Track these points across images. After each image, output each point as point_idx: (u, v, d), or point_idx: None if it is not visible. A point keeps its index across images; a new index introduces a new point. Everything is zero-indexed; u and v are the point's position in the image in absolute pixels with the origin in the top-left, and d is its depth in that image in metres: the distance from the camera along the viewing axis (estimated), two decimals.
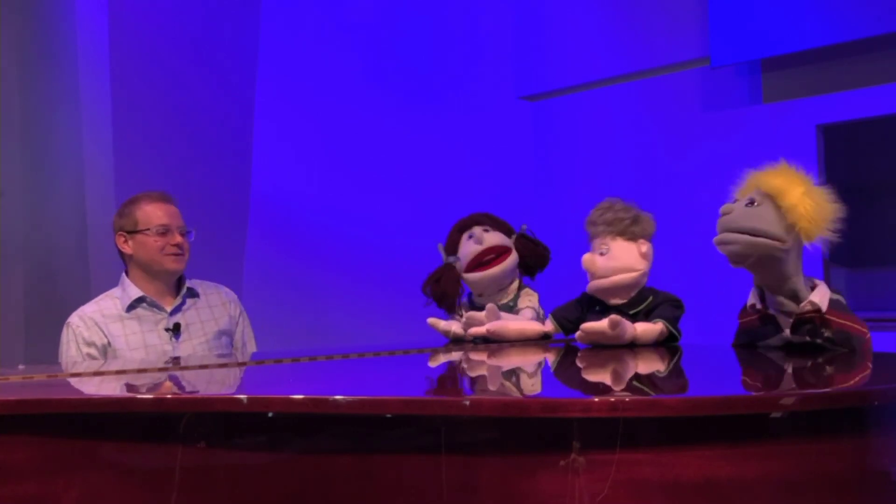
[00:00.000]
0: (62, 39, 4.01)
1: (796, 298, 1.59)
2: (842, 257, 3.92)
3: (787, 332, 1.61)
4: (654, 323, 1.85)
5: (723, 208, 1.60)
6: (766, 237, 1.54)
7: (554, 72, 4.86)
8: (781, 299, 1.61)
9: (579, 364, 1.70)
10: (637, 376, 1.54)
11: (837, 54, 3.89)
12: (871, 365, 1.49)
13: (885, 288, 3.93)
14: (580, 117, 4.79)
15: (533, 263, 2.22)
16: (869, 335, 1.58)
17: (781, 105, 4.08)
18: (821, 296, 1.57)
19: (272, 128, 4.39)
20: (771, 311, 1.64)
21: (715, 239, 1.60)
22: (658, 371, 1.59)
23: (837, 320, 1.56)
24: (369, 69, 4.70)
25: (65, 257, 4.03)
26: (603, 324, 1.78)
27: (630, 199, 1.97)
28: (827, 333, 1.56)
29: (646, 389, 1.40)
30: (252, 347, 2.66)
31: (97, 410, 1.31)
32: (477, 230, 2.19)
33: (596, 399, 1.12)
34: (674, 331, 1.87)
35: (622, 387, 1.40)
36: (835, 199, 1.56)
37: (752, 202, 1.57)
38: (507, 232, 2.22)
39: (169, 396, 1.36)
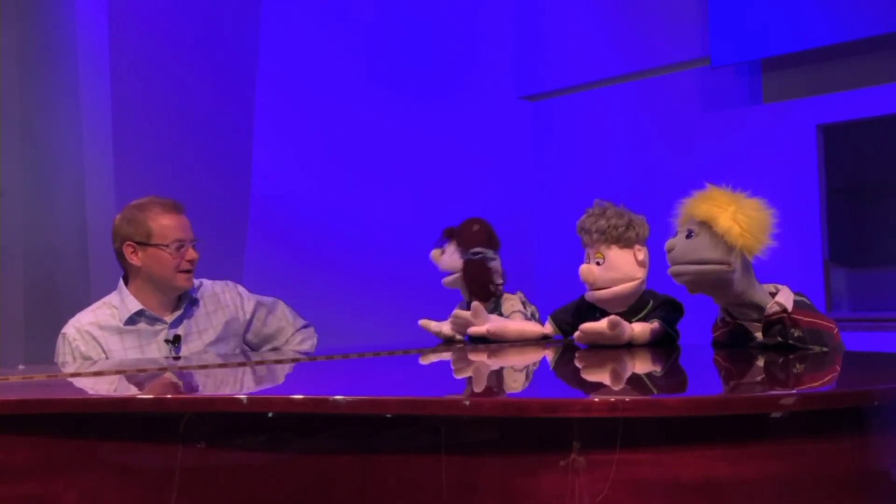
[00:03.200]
0: (62, 39, 4.01)
1: (759, 307, 1.63)
2: (842, 257, 3.92)
3: (759, 335, 1.65)
4: (651, 323, 1.85)
5: (667, 245, 1.65)
6: (711, 264, 1.58)
7: (554, 72, 4.86)
8: (746, 311, 1.66)
9: (578, 364, 1.71)
10: (636, 376, 1.54)
11: (837, 54, 3.89)
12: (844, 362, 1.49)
13: (885, 288, 3.93)
14: (580, 117, 4.80)
15: (475, 293, 2.17)
16: (837, 331, 1.61)
17: (781, 105, 4.08)
18: (785, 297, 1.61)
19: (272, 128, 4.39)
20: (740, 322, 1.68)
21: (668, 272, 1.66)
22: (657, 371, 1.60)
23: (805, 319, 1.59)
24: (369, 69, 4.70)
25: (65, 257, 4.03)
26: (602, 324, 1.78)
27: (620, 202, 1.94)
28: (797, 333, 1.59)
29: (646, 389, 1.40)
30: (288, 332, 2.58)
31: (97, 410, 1.31)
32: (435, 253, 2.28)
33: (596, 399, 1.12)
34: (671, 331, 1.87)
35: (622, 387, 1.40)
36: (767, 207, 1.61)
37: (690, 233, 1.61)
38: (470, 246, 2.20)
39: (169, 396, 1.36)
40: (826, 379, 1.45)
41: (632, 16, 4.57)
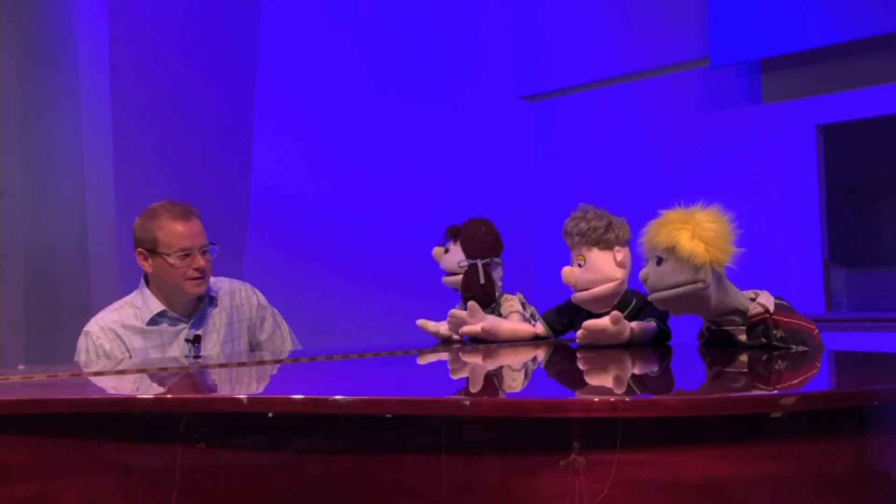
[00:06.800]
0: (62, 39, 4.01)
1: (741, 312, 1.68)
2: (842, 257, 3.92)
3: (743, 337, 1.69)
4: (648, 322, 1.86)
5: (641, 275, 1.71)
6: (686, 285, 1.63)
7: (554, 72, 4.86)
8: (730, 318, 1.70)
9: (578, 364, 1.71)
10: (635, 376, 1.54)
11: (837, 54, 3.89)
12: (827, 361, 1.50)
13: (885, 288, 3.93)
14: (580, 117, 4.79)
15: (475, 300, 2.13)
16: (817, 331, 1.66)
17: (781, 105, 4.08)
18: (766, 299, 1.66)
19: (272, 128, 4.39)
20: (725, 328, 1.72)
21: (649, 299, 1.73)
22: (655, 371, 1.60)
23: (786, 319, 1.64)
24: (369, 69, 4.70)
25: (64, 257, 4.03)
26: (605, 321, 1.80)
27: (602, 205, 1.98)
28: (779, 333, 1.63)
29: (645, 389, 1.40)
30: (288, 345, 2.60)
31: (97, 410, 1.31)
32: (438, 251, 2.24)
33: (596, 399, 1.12)
34: (665, 329, 1.89)
35: (622, 387, 1.40)
36: (723, 214, 1.64)
37: (660, 261, 1.66)
38: (472, 252, 2.18)
39: (169, 396, 1.36)
40: (819, 376, 1.45)
41: (632, 16, 4.57)
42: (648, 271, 1.68)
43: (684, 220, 1.64)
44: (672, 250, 1.63)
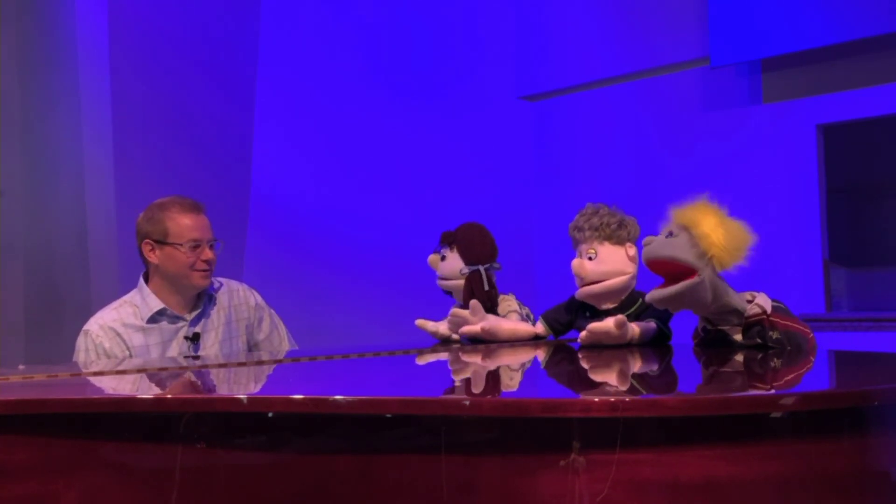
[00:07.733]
0: (62, 39, 4.01)
1: (738, 313, 1.68)
2: (842, 257, 3.93)
3: (738, 337, 1.69)
4: (648, 323, 1.86)
5: (644, 240, 1.69)
6: (682, 262, 1.61)
7: (554, 72, 4.86)
8: (726, 317, 1.71)
9: (578, 364, 1.71)
10: (636, 376, 1.54)
11: (837, 54, 3.90)
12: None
13: (885, 288, 3.93)
14: (580, 117, 4.80)
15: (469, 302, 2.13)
16: (812, 335, 1.67)
17: (781, 105, 4.08)
18: (763, 300, 1.67)
19: (272, 128, 4.39)
20: (720, 328, 1.72)
21: (643, 260, 1.70)
22: (655, 371, 1.60)
23: (783, 322, 1.65)
24: (369, 69, 4.70)
25: (65, 257, 4.03)
26: (609, 324, 1.80)
27: (613, 204, 1.99)
28: (775, 335, 1.64)
29: (646, 389, 1.40)
30: (286, 346, 2.62)
31: (97, 410, 1.31)
32: (434, 258, 2.24)
33: (596, 399, 1.12)
34: (665, 330, 1.89)
35: (622, 387, 1.40)
36: (749, 230, 1.64)
37: (670, 234, 1.66)
38: (473, 258, 2.18)
39: (169, 396, 1.36)
40: (819, 376, 1.45)
41: (632, 16, 4.57)
42: (653, 238, 1.67)
43: (715, 213, 1.63)
44: (689, 228, 1.62)
